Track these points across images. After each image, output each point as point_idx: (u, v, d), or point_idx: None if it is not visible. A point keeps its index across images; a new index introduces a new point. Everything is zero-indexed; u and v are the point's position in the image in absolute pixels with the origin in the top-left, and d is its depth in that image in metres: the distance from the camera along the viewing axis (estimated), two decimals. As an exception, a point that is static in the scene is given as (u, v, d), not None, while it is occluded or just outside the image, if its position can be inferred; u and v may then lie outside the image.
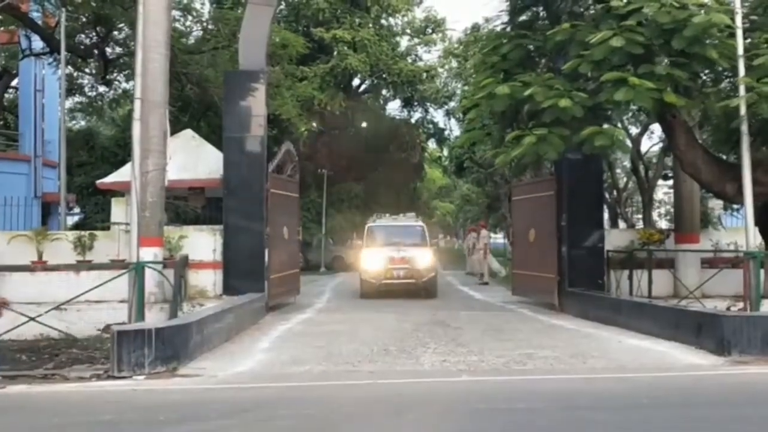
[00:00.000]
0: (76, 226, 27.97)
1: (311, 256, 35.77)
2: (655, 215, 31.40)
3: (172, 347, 10.99)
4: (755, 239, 13.87)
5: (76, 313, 14.14)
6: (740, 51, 12.96)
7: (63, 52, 21.73)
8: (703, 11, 13.02)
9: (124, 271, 12.64)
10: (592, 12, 15.40)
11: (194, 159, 18.55)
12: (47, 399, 9.50)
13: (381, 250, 22.31)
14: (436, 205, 55.08)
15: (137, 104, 12.16)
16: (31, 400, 9.46)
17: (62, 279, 14.99)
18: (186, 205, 20.17)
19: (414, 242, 22.95)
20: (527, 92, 13.67)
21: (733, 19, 12.99)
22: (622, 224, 33.39)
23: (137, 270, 11.43)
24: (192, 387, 10.03)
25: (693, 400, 9.24)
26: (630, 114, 24.65)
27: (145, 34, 12.46)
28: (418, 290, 21.92)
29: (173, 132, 18.87)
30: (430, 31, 39.22)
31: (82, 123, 39.30)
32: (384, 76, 36.03)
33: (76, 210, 33.91)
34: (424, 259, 22.14)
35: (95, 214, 29.25)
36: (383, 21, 37.85)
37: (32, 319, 12.48)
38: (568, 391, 9.71)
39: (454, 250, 62.03)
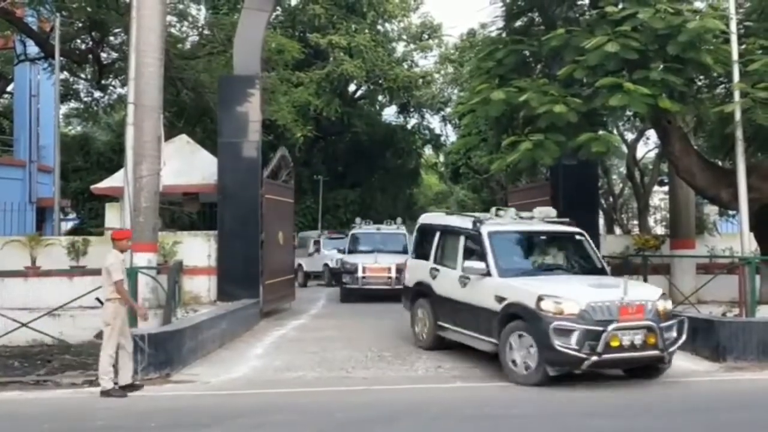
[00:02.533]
0: (72, 232, 27.91)
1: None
2: (650, 221, 31.37)
3: (165, 353, 10.94)
4: (750, 245, 13.86)
5: (70, 318, 14.05)
6: (735, 56, 12.97)
7: (57, 57, 21.69)
8: (697, 17, 13.00)
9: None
10: (587, 17, 15.38)
11: (189, 164, 18.48)
12: (39, 405, 9.44)
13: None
14: (433, 212, 55.02)
15: (130, 109, 12.12)
16: (22, 406, 9.40)
17: (55, 284, 14.91)
18: (181, 210, 20.12)
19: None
20: (522, 98, 13.64)
21: (727, 25, 12.99)
22: (617, 230, 33.39)
23: (130, 276, 11.37)
24: (185, 393, 9.99)
25: (689, 406, 9.21)
26: (625, 120, 24.61)
27: (139, 39, 12.44)
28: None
29: (169, 137, 18.86)
30: (426, 36, 39.20)
31: (78, 128, 39.24)
32: (380, 81, 35.99)
33: (72, 215, 33.87)
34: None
35: (91, 219, 29.20)
36: (379, 27, 37.83)
37: (24, 324, 12.41)
38: (566, 397, 9.68)
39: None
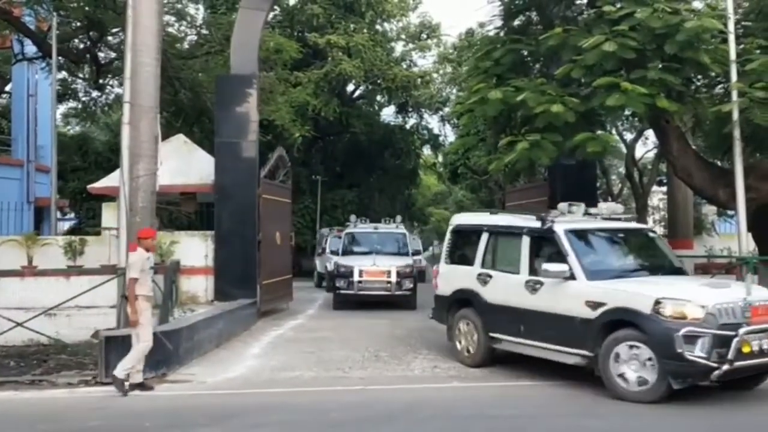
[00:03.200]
0: (71, 232, 27.87)
1: (305, 262, 35.63)
2: (649, 221, 31.32)
3: (161, 353, 10.90)
4: (748, 245, 13.82)
5: (66, 318, 14.02)
6: (733, 56, 12.93)
7: (55, 57, 21.65)
8: (695, 16, 12.97)
9: (113, 276, 12.53)
10: (584, 17, 15.35)
11: (186, 164, 18.42)
12: (34, 405, 9.41)
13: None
14: (431, 212, 54.96)
15: (126, 108, 12.05)
16: (17, 406, 9.37)
17: (52, 284, 14.86)
18: (178, 210, 20.07)
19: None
20: (520, 97, 13.60)
21: (725, 25, 12.96)
22: (616, 230, 33.26)
23: (126, 276, 11.33)
24: (181, 393, 9.96)
25: (688, 407, 9.17)
26: (624, 119, 24.59)
27: (135, 38, 12.36)
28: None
29: (166, 137, 18.80)
30: (425, 36, 39.15)
31: (77, 128, 39.18)
32: (378, 81, 35.91)
33: (70, 215, 33.83)
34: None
35: (89, 219, 29.16)
36: (378, 26, 37.76)
37: (19, 324, 12.36)
38: (562, 398, 9.65)
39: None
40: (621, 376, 9.13)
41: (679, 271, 11.01)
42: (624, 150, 30.13)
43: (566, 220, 11.27)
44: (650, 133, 27.51)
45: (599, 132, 14.38)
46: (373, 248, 21.29)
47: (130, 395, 9.74)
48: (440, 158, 44.03)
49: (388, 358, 12.44)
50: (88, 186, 20.29)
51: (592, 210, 12.09)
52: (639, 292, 9.35)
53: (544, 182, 19.73)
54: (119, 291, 11.58)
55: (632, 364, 9.07)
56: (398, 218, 23.35)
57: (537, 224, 10.96)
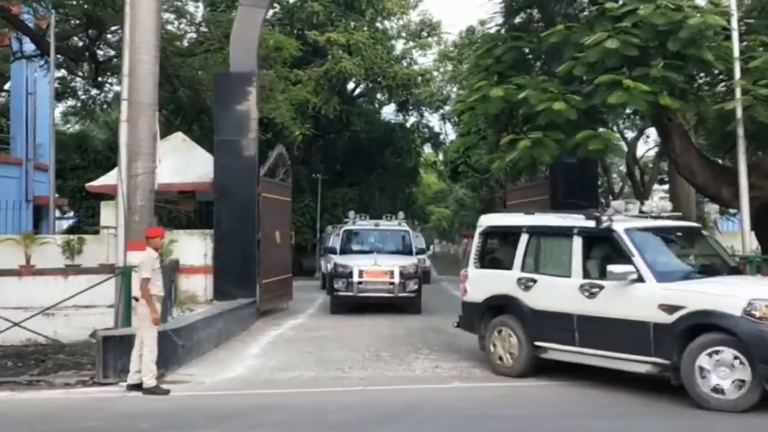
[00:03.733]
0: (70, 230, 27.77)
1: (305, 261, 35.57)
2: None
3: (160, 353, 10.76)
4: (751, 244, 13.73)
5: (64, 318, 13.90)
6: (736, 53, 12.83)
7: (53, 55, 21.53)
8: (698, 13, 12.87)
9: (111, 275, 12.44)
10: (586, 14, 15.25)
11: (185, 162, 18.33)
12: (30, 406, 9.32)
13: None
14: (432, 210, 54.94)
15: (124, 106, 11.96)
16: (13, 407, 9.28)
17: (50, 283, 14.74)
18: (176, 209, 19.97)
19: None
20: (521, 95, 13.51)
21: (728, 21, 12.87)
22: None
23: (124, 275, 11.24)
24: (179, 394, 9.87)
25: (691, 408, 9.07)
26: (625, 117, 24.51)
27: (133, 36, 12.26)
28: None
29: (166, 135, 18.71)
30: (425, 34, 39.10)
31: (76, 126, 39.11)
32: (379, 79, 35.83)
33: (70, 214, 33.74)
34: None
35: (88, 218, 29.06)
36: (378, 24, 37.70)
37: (16, 324, 12.26)
38: (564, 398, 9.57)
39: (450, 255, 61.96)
40: (713, 387, 8.53)
41: (735, 270, 10.65)
42: (625, 148, 30.09)
43: (626, 218, 10.71)
44: (651, 131, 27.54)
45: (601, 130, 14.26)
46: (374, 247, 20.23)
47: (127, 396, 9.66)
48: (441, 156, 44.01)
49: (388, 358, 12.36)
50: (87, 184, 20.20)
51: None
52: (725, 294, 8.84)
53: (546, 180, 19.64)
54: (117, 290, 11.49)
55: (720, 371, 8.50)
56: (400, 214, 21.91)
57: (590, 223, 10.26)
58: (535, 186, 20.42)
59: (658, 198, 36.29)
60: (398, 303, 18.57)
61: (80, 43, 24.18)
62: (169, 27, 24.66)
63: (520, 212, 12.65)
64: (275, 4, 32.68)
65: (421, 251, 26.90)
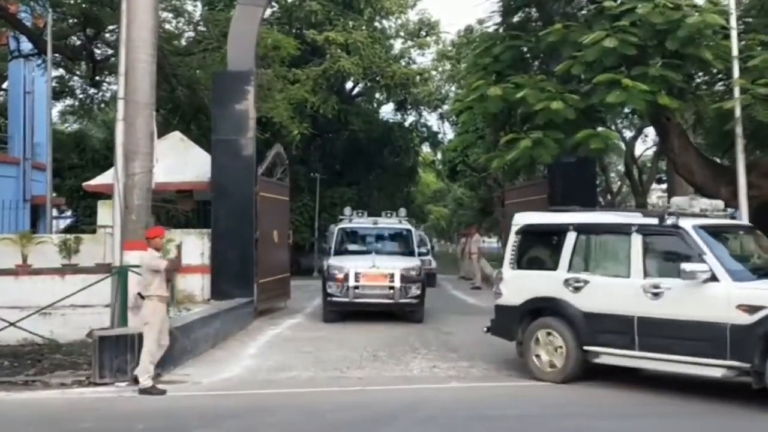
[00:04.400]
0: (68, 229, 27.72)
1: (304, 260, 35.53)
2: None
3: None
4: (750, 243, 13.69)
5: (61, 317, 13.86)
6: (735, 52, 12.81)
7: (50, 54, 21.49)
8: (696, 12, 12.85)
9: (108, 275, 12.40)
10: (585, 13, 15.23)
11: (182, 161, 18.29)
12: (25, 406, 9.27)
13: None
14: (430, 210, 54.94)
15: (120, 104, 11.90)
16: (8, 407, 9.22)
17: (47, 283, 14.71)
18: (174, 208, 19.91)
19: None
20: (519, 94, 13.49)
21: (727, 20, 12.85)
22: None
23: (120, 274, 11.19)
24: (175, 394, 9.82)
25: (691, 409, 9.04)
26: (624, 117, 24.50)
27: (130, 35, 12.20)
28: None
29: (164, 134, 18.67)
30: (423, 33, 39.05)
31: (75, 126, 39.04)
32: (377, 79, 35.78)
33: (68, 213, 33.68)
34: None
35: (86, 217, 28.99)
36: (376, 23, 37.65)
37: (13, 324, 12.21)
38: (561, 398, 9.54)
39: (448, 254, 61.93)
40: None
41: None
42: (623, 147, 30.08)
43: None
44: (650, 131, 27.54)
45: (600, 129, 14.25)
46: (372, 247, 18.29)
47: (123, 396, 9.63)
48: (439, 156, 43.97)
49: (386, 357, 12.32)
50: (84, 184, 20.16)
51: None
52: None
53: (544, 180, 19.60)
54: (114, 290, 11.44)
55: None
56: (402, 211, 19.60)
57: (651, 221, 9.81)
58: (533, 185, 20.38)
59: (656, 197, 36.37)
60: (399, 310, 16.78)
61: (78, 42, 24.14)
62: (167, 26, 24.59)
63: (564, 209, 11.82)
64: (273, 3, 32.67)
65: (424, 252, 25.66)
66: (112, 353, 10.32)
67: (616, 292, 9.78)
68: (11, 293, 14.28)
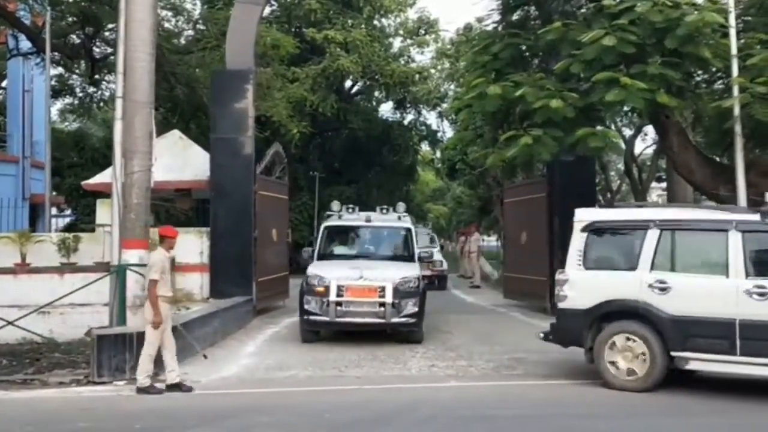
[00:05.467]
0: (68, 228, 27.70)
1: (302, 259, 35.51)
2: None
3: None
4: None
5: (60, 316, 13.90)
6: (734, 51, 12.81)
7: (48, 52, 21.49)
8: (696, 10, 12.86)
9: (106, 273, 12.39)
10: (584, 11, 15.23)
11: (181, 160, 18.27)
12: (22, 405, 9.27)
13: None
14: (430, 208, 54.91)
15: (119, 103, 11.89)
16: (5, 406, 9.22)
17: (45, 282, 14.72)
18: (173, 207, 19.89)
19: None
20: (518, 92, 13.50)
21: (726, 19, 12.85)
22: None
23: (119, 273, 11.18)
24: (173, 393, 9.81)
25: (690, 407, 9.04)
26: (623, 115, 24.47)
27: (129, 33, 12.18)
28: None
29: (163, 133, 18.65)
30: (423, 32, 38.98)
31: (74, 124, 39.01)
32: (376, 77, 35.72)
33: (67, 212, 33.66)
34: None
35: (86, 216, 28.97)
36: (376, 22, 37.57)
37: (11, 323, 12.21)
38: (559, 398, 9.53)
39: (447, 253, 61.89)
40: None
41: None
42: (623, 146, 30.04)
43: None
44: (649, 129, 27.48)
45: (600, 127, 14.25)
46: (363, 250, 15.54)
47: (121, 395, 9.62)
48: (438, 154, 43.92)
49: (384, 357, 12.30)
50: (83, 183, 20.13)
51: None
52: None
53: (543, 178, 19.57)
54: (113, 289, 11.44)
55: None
56: (400, 206, 16.04)
57: (753, 217, 9.31)
58: (532, 184, 20.36)
59: (656, 195, 36.35)
60: (392, 330, 13.88)
61: (77, 41, 24.13)
62: (166, 24, 24.61)
63: (645, 205, 11.26)
64: (272, 2, 32.63)
65: (427, 255, 23.74)
66: (111, 352, 10.32)
67: (712, 293, 9.18)
68: (10, 292, 14.31)
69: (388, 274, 13.63)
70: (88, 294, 13.13)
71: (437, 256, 25.60)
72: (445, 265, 26.66)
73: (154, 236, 15.19)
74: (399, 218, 15.73)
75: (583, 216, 10.57)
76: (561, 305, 10.40)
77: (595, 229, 10.35)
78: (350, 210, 15.99)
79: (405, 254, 15.27)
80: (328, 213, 16.35)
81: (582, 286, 10.19)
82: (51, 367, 11.34)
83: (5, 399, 9.58)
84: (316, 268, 14.07)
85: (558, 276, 10.62)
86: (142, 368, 9.85)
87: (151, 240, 14.75)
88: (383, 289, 13.28)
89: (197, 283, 16.70)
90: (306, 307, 13.50)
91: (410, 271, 14.08)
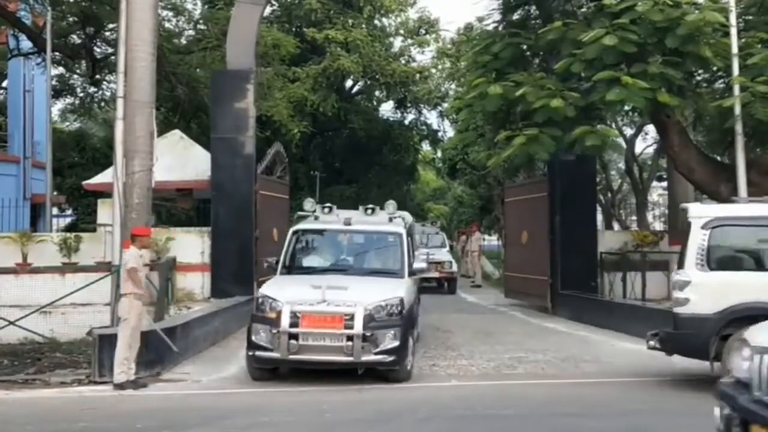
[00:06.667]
0: (69, 228, 27.71)
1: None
2: (649, 217, 31.29)
3: (155, 351, 10.78)
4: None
5: (61, 316, 13.88)
6: (734, 50, 12.81)
7: (49, 52, 21.49)
8: (696, 10, 12.87)
9: (107, 273, 12.42)
10: (584, 10, 15.24)
11: (182, 160, 18.28)
12: (23, 405, 9.28)
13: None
14: (430, 208, 54.89)
15: (120, 103, 11.94)
16: (6, 406, 9.22)
17: (47, 281, 14.73)
18: (174, 206, 19.91)
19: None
20: (519, 92, 13.50)
21: (727, 18, 12.84)
22: (616, 226, 33.27)
23: (119, 272, 11.20)
24: (174, 392, 9.83)
25: (688, 406, 9.04)
26: (624, 114, 24.48)
27: (130, 33, 12.23)
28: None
29: (164, 133, 18.66)
30: (423, 31, 38.97)
31: (75, 124, 39.04)
32: (377, 77, 35.71)
33: (69, 211, 33.69)
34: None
35: (87, 215, 28.99)
36: (376, 21, 37.56)
37: (12, 322, 12.24)
38: (559, 397, 9.54)
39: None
40: None
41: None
42: (624, 145, 30.07)
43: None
44: (650, 129, 27.50)
45: (599, 126, 14.26)
46: (340, 261, 12.33)
47: (123, 395, 9.62)
48: (439, 153, 43.92)
49: (385, 356, 12.27)
50: (84, 182, 20.15)
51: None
52: None
53: (543, 178, 19.58)
54: (114, 288, 11.46)
55: None
56: (390, 205, 12.82)
57: None
58: (532, 183, 20.37)
59: (657, 195, 36.35)
60: (366, 368, 10.40)
61: (77, 41, 24.13)
62: (167, 24, 24.60)
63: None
64: (273, 2, 32.62)
65: (428, 259, 20.72)
66: (112, 352, 10.29)
67: None
68: (11, 292, 14.30)
69: (360, 297, 10.25)
70: (89, 294, 13.18)
71: (446, 257, 24.84)
72: (455, 267, 24.99)
73: (155, 236, 15.30)
74: (390, 220, 12.58)
75: (701, 212, 9.65)
76: (679, 311, 9.47)
77: (718, 226, 9.41)
78: (326, 210, 12.81)
79: (393, 268, 11.85)
80: (300, 214, 13.45)
81: (707, 289, 9.27)
82: (52, 367, 11.35)
83: (7, 399, 9.59)
84: (269, 287, 11.00)
85: (676, 277, 9.72)
86: (117, 363, 9.87)
87: (153, 240, 14.84)
88: (351, 317, 9.98)
89: (198, 282, 16.70)
90: (254, 338, 10.24)
91: (392, 291, 10.75)
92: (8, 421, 8.45)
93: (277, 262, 11.96)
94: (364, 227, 12.38)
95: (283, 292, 10.45)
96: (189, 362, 11.61)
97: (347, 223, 12.22)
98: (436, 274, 23.63)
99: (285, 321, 9.89)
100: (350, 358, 9.94)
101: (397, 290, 10.77)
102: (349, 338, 9.87)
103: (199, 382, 10.36)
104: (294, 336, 9.88)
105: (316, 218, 12.70)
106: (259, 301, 10.59)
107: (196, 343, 12.40)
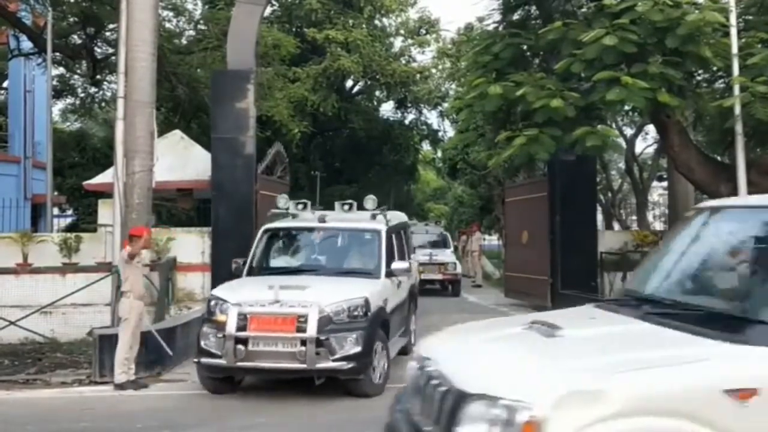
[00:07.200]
0: (70, 228, 27.74)
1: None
2: (649, 217, 31.27)
3: (156, 351, 10.80)
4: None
5: (62, 316, 13.90)
6: (734, 50, 12.80)
7: (49, 53, 21.51)
8: (696, 10, 12.87)
9: (108, 273, 12.42)
10: (584, 10, 15.24)
11: (183, 160, 18.26)
12: (24, 405, 9.30)
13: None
14: (431, 208, 54.91)
15: (120, 103, 11.95)
16: (7, 406, 9.25)
17: (47, 282, 14.74)
18: (174, 206, 19.91)
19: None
20: (519, 92, 13.50)
21: (727, 18, 12.84)
22: (616, 226, 33.27)
23: (119, 273, 11.21)
24: (174, 393, 9.85)
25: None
26: (624, 114, 24.49)
27: (130, 34, 12.24)
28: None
29: (164, 133, 18.66)
30: (423, 31, 39.00)
31: (76, 124, 39.07)
32: (377, 77, 35.74)
33: (69, 211, 33.71)
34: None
35: (87, 215, 29.01)
36: (377, 21, 37.59)
37: (13, 323, 12.25)
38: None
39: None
40: None
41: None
42: (624, 145, 30.08)
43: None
44: (650, 128, 27.49)
45: (599, 126, 14.26)
46: (311, 261, 11.73)
47: (123, 395, 9.64)
48: (439, 153, 43.95)
49: (385, 356, 12.27)
50: (85, 183, 20.15)
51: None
52: None
53: (544, 177, 19.59)
54: (114, 288, 11.48)
55: None
56: (369, 200, 12.31)
57: None
58: (533, 183, 20.37)
59: (657, 195, 36.32)
60: (321, 377, 9.53)
61: (78, 41, 24.15)
62: (167, 24, 24.61)
63: None
64: (273, 2, 32.65)
65: (435, 255, 22.69)
66: (113, 352, 10.32)
67: None
68: (12, 292, 14.30)
69: (317, 297, 9.34)
70: (89, 294, 13.20)
71: (450, 258, 24.03)
72: (458, 268, 24.01)
73: (155, 236, 15.31)
74: (373, 217, 11.84)
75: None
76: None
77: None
78: (300, 206, 12.19)
79: (367, 267, 10.98)
80: (274, 212, 12.61)
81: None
82: (53, 367, 11.39)
83: (7, 399, 9.61)
84: (222, 288, 10.28)
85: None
86: (117, 364, 9.93)
87: (153, 240, 14.84)
88: (304, 318, 9.05)
89: (199, 282, 16.68)
90: (203, 344, 9.44)
91: (358, 291, 9.81)
92: (8, 421, 8.47)
93: (245, 263, 11.26)
94: (338, 224, 11.68)
95: (234, 293, 9.71)
96: (189, 362, 11.58)
97: (321, 220, 11.57)
98: (439, 276, 23.51)
99: (232, 324, 9.09)
100: (303, 365, 8.98)
101: (363, 290, 9.81)
102: (302, 343, 8.96)
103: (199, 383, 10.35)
104: (242, 341, 9.03)
105: (294, 216, 12.07)
106: (210, 303, 9.80)
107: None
